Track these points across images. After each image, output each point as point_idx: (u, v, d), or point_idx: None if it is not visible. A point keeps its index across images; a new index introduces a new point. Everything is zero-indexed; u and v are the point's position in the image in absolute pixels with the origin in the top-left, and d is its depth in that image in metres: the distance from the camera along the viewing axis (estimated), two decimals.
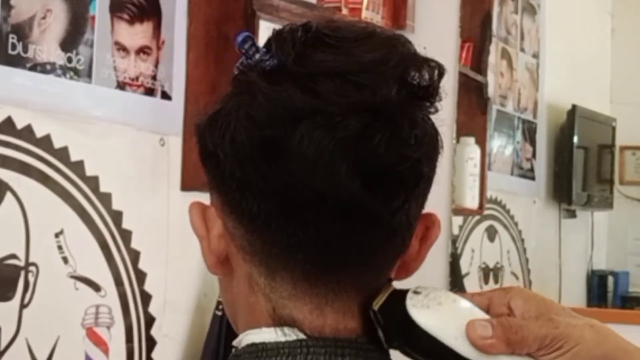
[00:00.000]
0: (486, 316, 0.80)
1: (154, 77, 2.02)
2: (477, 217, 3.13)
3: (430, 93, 0.80)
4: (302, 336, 0.79)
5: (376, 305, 0.80)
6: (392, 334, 0.80)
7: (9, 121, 1.71)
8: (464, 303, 0.81)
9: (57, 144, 1.80)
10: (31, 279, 1.75)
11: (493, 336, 0.78)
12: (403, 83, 0.78)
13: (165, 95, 2.05)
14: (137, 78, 1.97)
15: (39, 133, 1.77)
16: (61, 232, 1.81)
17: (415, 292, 0.81)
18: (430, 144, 0.80)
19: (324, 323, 0.80)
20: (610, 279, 3.78)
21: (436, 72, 0.79)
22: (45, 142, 1.78)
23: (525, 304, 0.82)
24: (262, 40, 0.82)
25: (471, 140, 2.99)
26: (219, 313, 2.04)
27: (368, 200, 0.77)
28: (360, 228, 0.78)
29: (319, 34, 0.79)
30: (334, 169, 0.76)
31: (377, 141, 0.76)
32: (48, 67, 1.77)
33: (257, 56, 0.79)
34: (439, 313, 0.79)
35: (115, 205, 1.93)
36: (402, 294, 0.81)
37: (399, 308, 0.80)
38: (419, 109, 0.79)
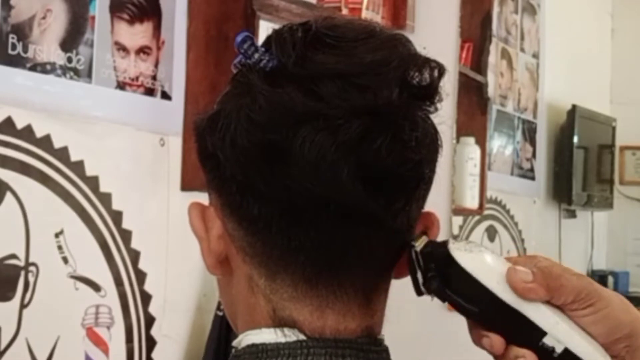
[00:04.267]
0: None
1: (154, 77, 2.02)
2: (477, 217, 3.13)
3: (430, 93, 0.80)
4: (302, 337, 0.79)
5: (418, 247, 0.81)
6: (431, 276, 0.80)
7: (9, 121, 1.71)
8: (502, 257, 0.82)
9: (57, 144, 1.80)
10: (31, 279, 1.75)
11: (534, 281, 0.78)
12: (404, 84, 0.78)
13: (165, 95, 2.06)
14: (137, 78, 1.97)
15: (39, 133, 1.77)
16: (61, 232, 1.81)
17: (456, 240, 0.82)
18: (430, 145, 0.80)
19: (325, 324, 0.80)
20: (610, 279, 3.78)
21: (436, 72, 0.79)
22: (45, 142, 1.78)
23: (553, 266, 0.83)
24: (262, 41, 0.82)
25: (471, 140, 2.99)
26: (220, 313, 2.04)
27: (370, 203, 0.77)
28: (361, 231, 0.78)
29: (319, 34, 0.79)
30: (336, 172, 0.75)
31: (378, 144, 0.76)
32: (48, 67, 1.77)
33: (257, 56, 0.79)
34: (481, 258, 0.80)
35: (115, 205, 1.93)
36: (441, 242, 0.82)
37: (440, 251, 0.80)
38: (420, 109, 0.79)
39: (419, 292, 0.81)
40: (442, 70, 0.80)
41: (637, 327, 0.81)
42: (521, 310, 0.79)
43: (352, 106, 0.76)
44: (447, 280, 0.80)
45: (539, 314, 0.79)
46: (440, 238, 0.86)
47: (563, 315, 0.79)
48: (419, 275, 0.80)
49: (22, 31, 1.72)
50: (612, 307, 0.80)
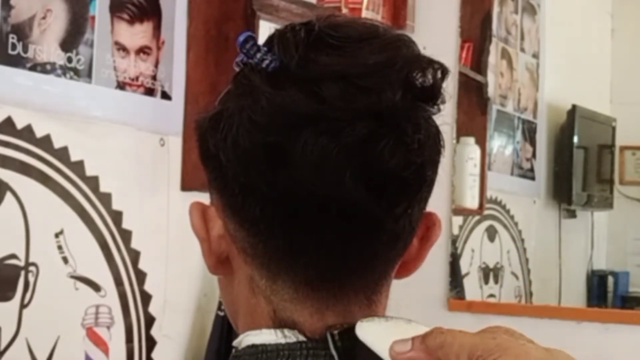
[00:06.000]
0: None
1: (154, 77, 2.02)
2: (477, 217, 3.13)
3: (434, 94, 0.79)
4: (302, 338, 0.79)
5: (335, 330, 0.78)
6: (343, 355, 0.77)
7: (9, 121, 1.71)
8: (419, 326, 0.76)
9: (57, 144, 1.80)
10: (31, 279, 1.75)
11: (412, 349, 0.73)
12: (408, 86, 0.77)
13: (165, 95, 2.05)
14: (137, 78, 1.97)
15: (39, 133, 1.77)
16: (61, 232, 1.81)
17: (380, 316, 0.79)
18: (433, 147, 0.80)
19: (325, 326, 0.79)
20: (610, 279, 3.77)
21: (440, 73, 0.79)
22: (45, 142, 1.78)
23: None
24: (262, 41, 0.81)
25: (471, 140, 2.99)
26: (221, 313, 2.04)
27: (372, 206, 0.76)
28: (363, 234, 0.78)
29: (322, 34, 0.78)
30: (338, 175, 0.75)
31: (382, 147, 0.75)
32: (48, 67, 1.77)
33: (259, 56, 0.78)
34: (379, 327, 0.76)
35: (115, 205, 1.93)
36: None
37: (351, 329, 0.77)
38: (422, 111, 0.79)
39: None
40: (445, 72, 0.79)
41: None
42: None
43: (354, 109, 0.75)
44: (355, 356, 0.76)
45: None
46: (440, 238, 0.86)
47: None
48: (335, 357, 0.77)
49: (22, 31, 1.72)
50: None
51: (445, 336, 0.71)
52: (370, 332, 0.76)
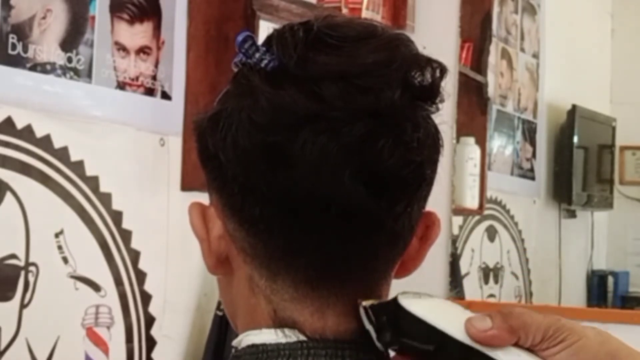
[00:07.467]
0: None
1: (154, 77, 2.02)
2: (477, 217, 3.13)
3: (432, 93, 0.79)
4: (302, 337, 0.79)
5: (367, 304, 0.79)
6: (384, 329, 0.78)
7: (9, 121, 1.71)
8: (457, 305, 0.80)
9: (57, 144, 1.80)
10: (31, 279, 1.75)
11: (493, 327, 0.75)
12: (406, 86, 0.77)
13: (165, 95, 2.06)
14: (137, 78, 1.97)
15: (39, 133, 1.77)
16: (61, 232, 1.81)
17: (407, 292, 0.80)
18: (432, 146, 0.80)
19: (325, 325, 0.80)
20: (610, 279, 3.77)
21: (438, 72, 0.79)
22: (45, 142, 1.78)
23: None
24: (261, 41, 0.81)
25: (471, 140, 2.99)
26: (220, 313, 2.04)
27: (371, 205, 0.76)
28: (363, 233, 0.78)
29: (321, 34, 0.78)
30: (338, 174, 0.75)
31: (381, 146, 0.75)
32: (48, 67, 1.77)
33: (257, 56, 0.78)
34: (430, 302, 0.78)
35: (115, 205, 1.93)
36: (393, 297, 0.80)
37: (390, 304, 0.78)
38: (421, 110, 0.79)
39: (378, 349, 0.78)
40: (444, 71, 0.79)
41: (617, 357, 0.78)
42: (488, 353, 0.75)
43: (354, 108, 0.75)
44: (400, 328, 0.77)
45: (508, 356, 0.75)
46: (440, 238, 0.86)
47: (536, 358, 0.76)
48: (371, 329, 0.78)
49: (22, 31, 1.72)
50: (586, 339, 0.77)
51: (525, 317, 0.76)
52: (424, 306, 0.77)
